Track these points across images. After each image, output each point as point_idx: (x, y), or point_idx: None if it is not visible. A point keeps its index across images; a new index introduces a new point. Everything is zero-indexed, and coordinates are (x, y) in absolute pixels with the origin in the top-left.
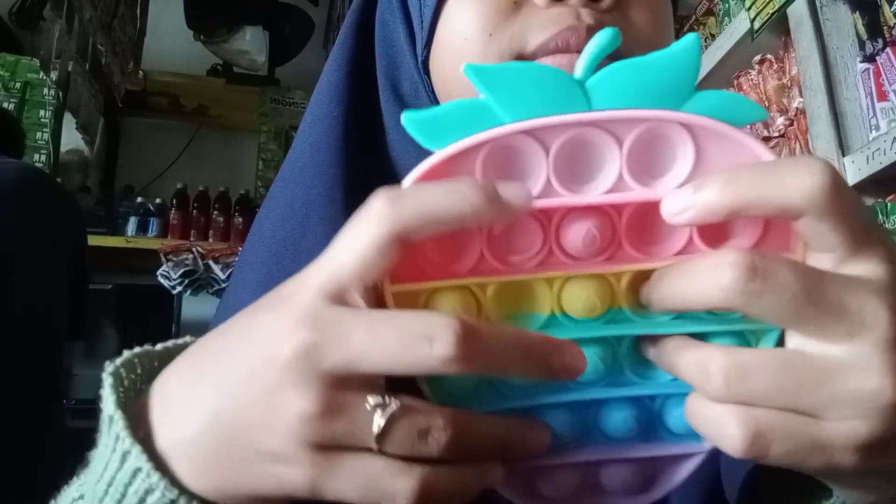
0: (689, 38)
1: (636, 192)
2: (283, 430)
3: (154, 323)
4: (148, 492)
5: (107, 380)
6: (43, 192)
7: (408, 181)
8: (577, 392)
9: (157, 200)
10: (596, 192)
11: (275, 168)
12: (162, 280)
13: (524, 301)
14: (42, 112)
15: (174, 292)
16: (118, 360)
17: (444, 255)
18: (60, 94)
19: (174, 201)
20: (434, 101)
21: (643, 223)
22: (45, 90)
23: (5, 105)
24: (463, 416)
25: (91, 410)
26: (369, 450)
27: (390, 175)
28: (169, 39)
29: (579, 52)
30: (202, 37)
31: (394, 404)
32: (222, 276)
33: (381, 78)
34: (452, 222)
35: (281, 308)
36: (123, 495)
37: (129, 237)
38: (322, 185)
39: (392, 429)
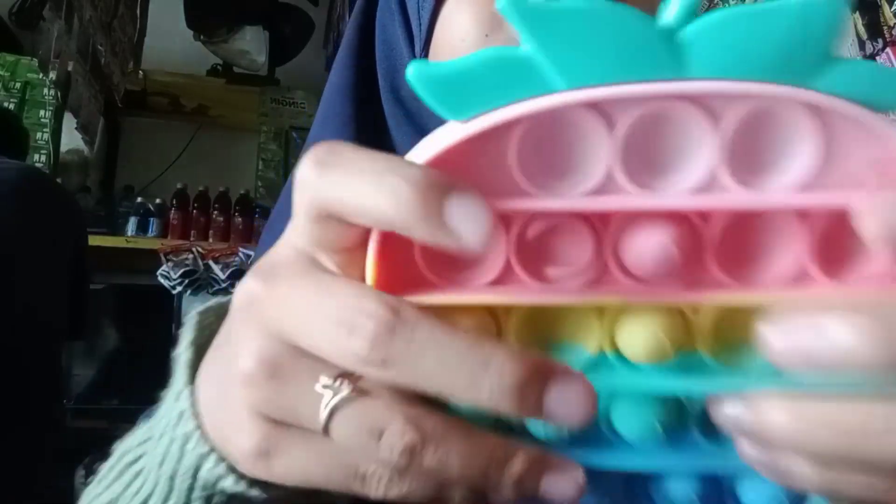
0: None
1: (737, 196)
2: (234, 387)
3: (154, 323)
4: (187, 438)
5: (189, 322)
6: (43, 192)
7: (417, 158)
8: (623, 456)
9: (157, 200)
10: (678, 191)
11: (275, 168)
12: (162, 280)
13: (563, 328)
14: (42, 112)
15: (174, 292)
16: (200, 311)
17: (454, 258)
18: (60, 94)
19: (174, 201)
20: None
21: (737, 237)
22: (45, 90)
23: (5, 105)
24: (440, 422)
25: (91, 410)
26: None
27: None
28: (169, 39)
29: None
30: (202, 37)
31: (345, 390)
32: (222, 276)
33: (381, 80)
34: (378, 225)
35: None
36: (172, 439)
37: (129, 237)
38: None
39: (337, 419)
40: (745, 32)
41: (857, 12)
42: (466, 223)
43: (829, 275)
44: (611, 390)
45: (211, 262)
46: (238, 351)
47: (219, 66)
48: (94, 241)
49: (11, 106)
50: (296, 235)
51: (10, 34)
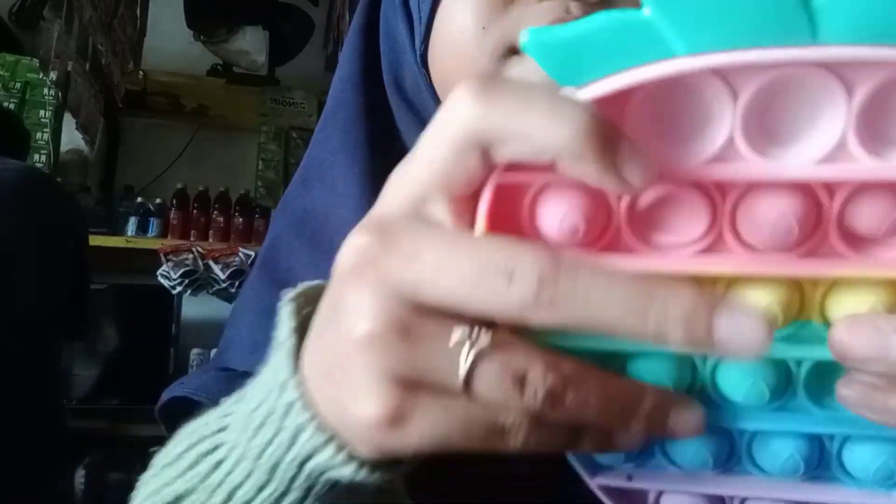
0: None
1: (867, 166)
2: (355, 355)
3: (154, 323)
4: (300, 429)
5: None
6: (43, 192)
7: None
8: (730, 416)
9: (157, 200)
10: (804, 161)
11: (275, 168)
12: (162, 280)
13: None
14: (42, 112)
15: (174, 292)
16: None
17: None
18: (60, 94)
19: (174, 201)
20: (433, 94)
21: (860, 208)
22: (45, 90)
23: (5, 105)
24: (576, 366)
25: (91, 410)
26: (457, 393)
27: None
28: (169, 39)
29: None
30: (202, 37)
31: (484, 340)
32: (222, 276)
33: (385, 74)
34: (545, 156)
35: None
36: (279, 430)
37: (129, 237)
38: (354, 165)
39: (479, 371)
40: None
41: None
42: (635, 167)
43: None
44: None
45: (211, 262)
46: (355, 315)
47: (219, 66)
48: (94, 241)
49: (11, 106)
50: (413, 183)
51: (10, 34)
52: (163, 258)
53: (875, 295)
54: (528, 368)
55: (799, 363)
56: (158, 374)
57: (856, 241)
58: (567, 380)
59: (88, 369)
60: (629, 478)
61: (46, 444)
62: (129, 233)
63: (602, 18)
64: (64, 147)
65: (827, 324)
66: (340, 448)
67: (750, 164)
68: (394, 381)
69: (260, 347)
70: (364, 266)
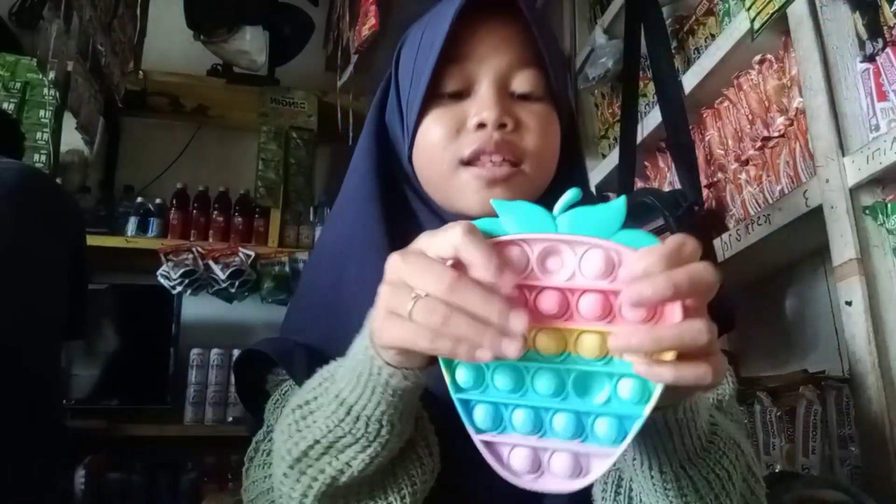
0: (620, 201)
1: (585, 281)
2: (378, 301)
3: (154, 323)
4: (380, 368)
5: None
6: (43, 192)
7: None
8: (539, 398)
9: (157, 200)
10: (562, 280)
11: (275, 168)
12: (162, 280)
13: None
14: (42, 112)
15: (174, 292)
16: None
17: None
18: (60, 94)
19: (174, 201)
20: (417, 182)
21: (584, 300)
22: (45, 90)
23: (5, 105)
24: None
25: (91, 410)
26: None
27: (411, 208)
28: (169, 39)
29: (491, 155)
30: (202, 37)
31: (423, 296)
32: (222, 276)
33: (396, 165)
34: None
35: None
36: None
37: (129, 237)
38: (367, 210)
39: (416, 308)
40: (585, 217)
41: (857, 12)
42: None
43: (611, 318)
44: (537, 366)
45: (211, 262)
46: (384, 288)
47: (219, 66)
48: (94, 241)
49: (11, 106)
50: (427, 242)
51: (10, 34)
52: (163, 258)
53: (595, 340)
54: (438, 308)
55: (569, 373)
56: (158, 374)
57: (585, 316)
58: (455, 309)
59: (88, 369)
60: (492, 436)
61: (46, 444)
62: (129, 233)
63: (486, 222)
64: (64, 147)
65: (573, 355)
66: (389, 365)
67: (540, 280)
68: (384, 311)
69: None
70: (390, 273)
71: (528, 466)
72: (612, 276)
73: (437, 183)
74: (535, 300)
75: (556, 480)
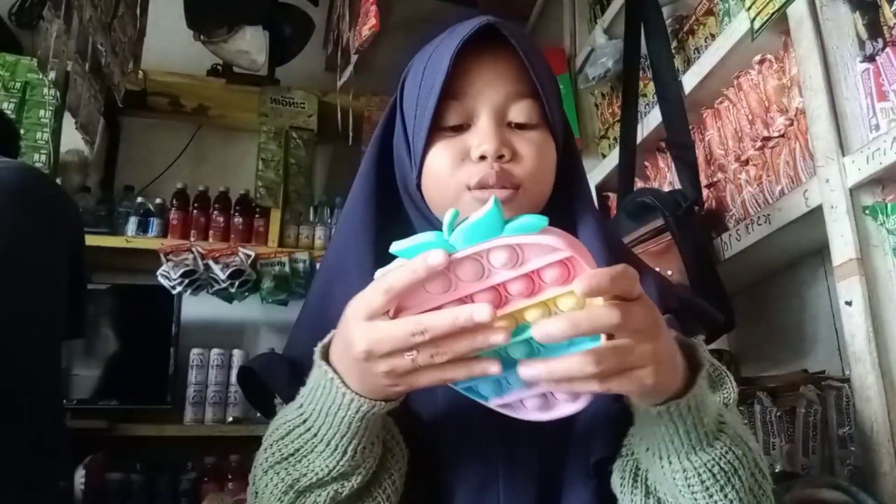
0: (491, 202)
1: (504, 274)
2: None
3: (154, 323)
4: (344, 396)
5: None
6: (42, 192)
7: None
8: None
9: (157, 200)
10: (482, 284)
11: (275, 168)
12: (162, 280)
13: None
14: (42, 112)
15: (174, 292)
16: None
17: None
18: (59, 94)
19: (174, 201)
20: (427, 207)
21: (514, 284)
22: (45, 90)
23: (5, 105)
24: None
25: (91, 410)
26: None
27: (412, 225)
28: (169, 39)
29: (494, 186)
30: (202, 37)
31: (414, 350)
32: (222, 276)
33: (398, 182)
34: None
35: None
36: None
37: (129, 237)
38: (359, 233)
39: (419, 358)
40: (471, 231)
41: (857, 12)
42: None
43: (538, 289)
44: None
45: (211, 262)
46: (352, 345)
47: (219, 66)
48: (94, 241)
49: (11, 106)
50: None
51: (10, 34)
52: (163, 258)
53: (537, 310)
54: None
55: (530, 340)
56: (158, 374)
57: (518, 296)
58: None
59: (88, 369)
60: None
61: (46, 444)
62: (129, 233)
63: (418, 248)
64: (64, 147)
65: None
66: (359, 397)
67: (469, 288)
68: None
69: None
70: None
71: (539, 407)
72: (520, 261)
73: (443, 204)
74: (473, 296)
75: (564, 407)
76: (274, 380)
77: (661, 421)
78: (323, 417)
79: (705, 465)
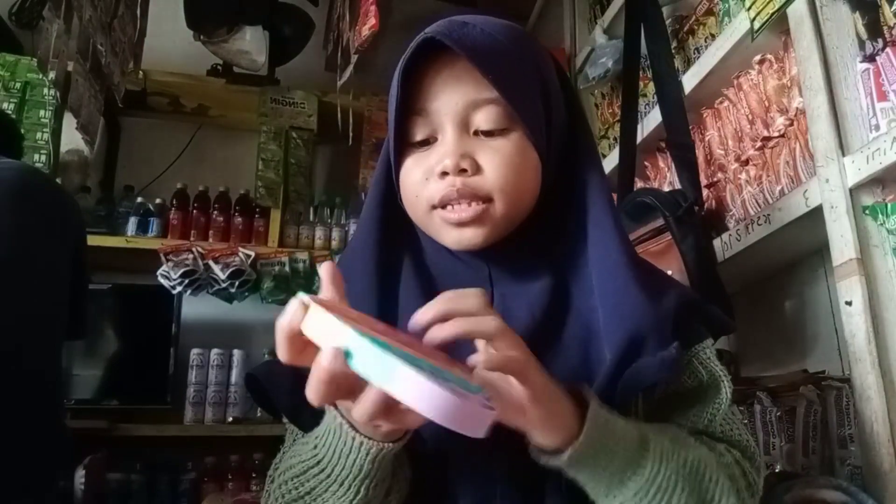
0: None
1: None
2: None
3: (154, 323)
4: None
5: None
6: (43, 192)
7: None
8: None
9: (157, 200)
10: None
11: (275, 168)
12: (162, 280)
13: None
14: (42, 112)
15: (174, 292)
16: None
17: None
18: (60, 94)
19: (174, 201)
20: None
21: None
22: (45, 90)
23: (5, 105)
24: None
25: (91, 410)
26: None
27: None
28: (169, 39)
29: (459, 202)
30: (202, 37)
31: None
32: (222, 276)
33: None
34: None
35: None
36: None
37: (129, 237)
38: (368, 243)
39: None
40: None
41: (857, 12)
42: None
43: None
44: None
45: (211, 262)
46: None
47: (219, 66)
48: (94, 241)
49: (11, 106)
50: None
51: (10, 34)
52: (163, 258)
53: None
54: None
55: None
56: (158, 374)
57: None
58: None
59: (88, 369)
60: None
61: (46, 444)
62: (129, 233)
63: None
64: (64, 147)
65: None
66: (368, 440)
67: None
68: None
69: None
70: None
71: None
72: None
73: (420, 223)
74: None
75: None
76: (275, 391)
77: (571, 468)
78: (336, 458)
79: (636, 494)
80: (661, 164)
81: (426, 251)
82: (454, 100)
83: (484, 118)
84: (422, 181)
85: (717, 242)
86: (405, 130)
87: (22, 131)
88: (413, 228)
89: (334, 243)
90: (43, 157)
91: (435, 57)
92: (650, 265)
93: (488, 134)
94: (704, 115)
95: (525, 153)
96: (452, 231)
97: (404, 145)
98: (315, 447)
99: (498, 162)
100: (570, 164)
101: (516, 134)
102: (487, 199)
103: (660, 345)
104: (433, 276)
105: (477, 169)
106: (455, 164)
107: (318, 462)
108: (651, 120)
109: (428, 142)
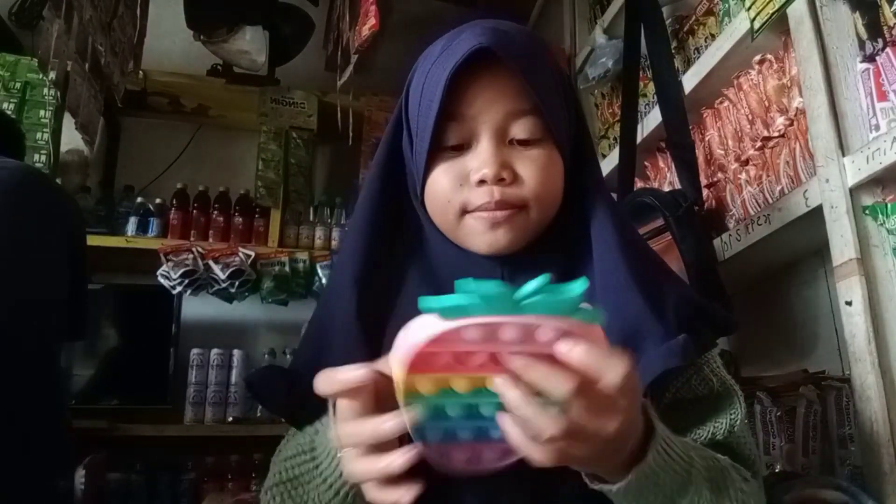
0: (580, 282)
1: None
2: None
3: (154, 323)
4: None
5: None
6: (43, 192)
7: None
8: (480, 420)
9: (157, 200)
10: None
11: (275, 168)
12: (162, 280)
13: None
14: (42, 112)
15: (174, 292)
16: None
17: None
18: (59, 94)
19: (174, 201)
20: (428, 218)
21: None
22: (45, 90)
23: (5, 105)
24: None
25: (91, 410)
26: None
27: (423, 232)
28: (169, 39)
29: (495, 209)
30: (202, 37)
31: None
32: (222, 276)
33: (409, 187)
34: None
35: None
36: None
37: (129, 237)
38: (365, 226)
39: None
40: (545, 300)
41: (857, 12)
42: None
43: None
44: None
45: (211, 262)
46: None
47: (219, 66)
48: (94, 241)
49: (11, 106)
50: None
51: (10, 34)
52: (163, 258)
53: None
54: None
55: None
56: (158, 374)
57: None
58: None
59: (88, 369)
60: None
61: (46, 444)
62: (129, 233)
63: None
64: (64, 147)
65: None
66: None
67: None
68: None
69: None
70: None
71: (466, 461)
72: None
73: (447, 226)
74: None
75: (491, 464)
76: (270, 397)
77: (617, 497)
78: (326, 453)
79: None
80: (661, 164)
81: (434, 251)
82: (495, 108)
83: (522, 128)
84: (454, 187)
85: (717, 242)
86: (438, 134)
87: (23, 131)
88: (413, 228)
89: (334, 243)
90: (43, 157)
91: (475, 63)
92: (655, 259)
93: (523, 143)
94: (704, 115)
95: (556, 161)
96: (485, 233)
97: (433, 148)
98: (317, 431)
99: (535, 171)
100: (576, 165)
101: (548, 143)
102: (521, 206)
103: (663, 339)
104: (443, 277)
105: (514, 178)
106: (496, 173)
107: (313, 448)
108: (651, 120)
109: (461, 147)
